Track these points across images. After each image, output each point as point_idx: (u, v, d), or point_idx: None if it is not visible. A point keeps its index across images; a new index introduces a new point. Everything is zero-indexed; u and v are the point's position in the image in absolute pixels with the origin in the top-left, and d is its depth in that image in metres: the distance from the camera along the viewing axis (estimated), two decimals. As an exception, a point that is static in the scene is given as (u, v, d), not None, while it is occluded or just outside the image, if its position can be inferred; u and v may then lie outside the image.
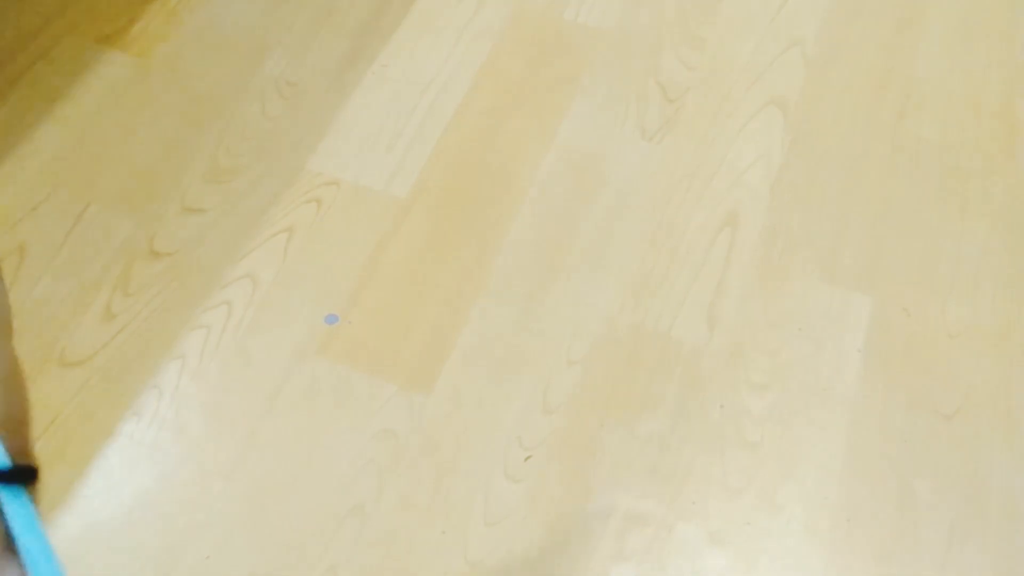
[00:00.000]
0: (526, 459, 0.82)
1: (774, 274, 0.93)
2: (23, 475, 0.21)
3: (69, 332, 0.88)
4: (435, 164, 1.00)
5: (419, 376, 0.86)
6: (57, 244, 0.94)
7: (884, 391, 0.85)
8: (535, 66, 1.09)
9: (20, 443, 0.23)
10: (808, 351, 0.88)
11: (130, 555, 0.77)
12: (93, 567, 0.76)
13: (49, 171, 0.99)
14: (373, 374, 0.86)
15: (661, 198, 0.98)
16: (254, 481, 0.80)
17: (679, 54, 1.10)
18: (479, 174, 1.00)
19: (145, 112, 1.04)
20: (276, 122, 1.03)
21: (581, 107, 1.05)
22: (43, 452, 0.84)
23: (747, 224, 0.96)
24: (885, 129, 1.03)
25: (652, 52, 1.10)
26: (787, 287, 0.92)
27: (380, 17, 1.13)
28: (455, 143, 1.02)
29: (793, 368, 0.87)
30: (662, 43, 1.11)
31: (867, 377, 0.86)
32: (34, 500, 0.20)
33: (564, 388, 0.85)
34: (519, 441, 0.83)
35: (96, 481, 0.80)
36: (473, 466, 0.81)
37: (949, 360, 0.87)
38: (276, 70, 1.08)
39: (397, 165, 1.00)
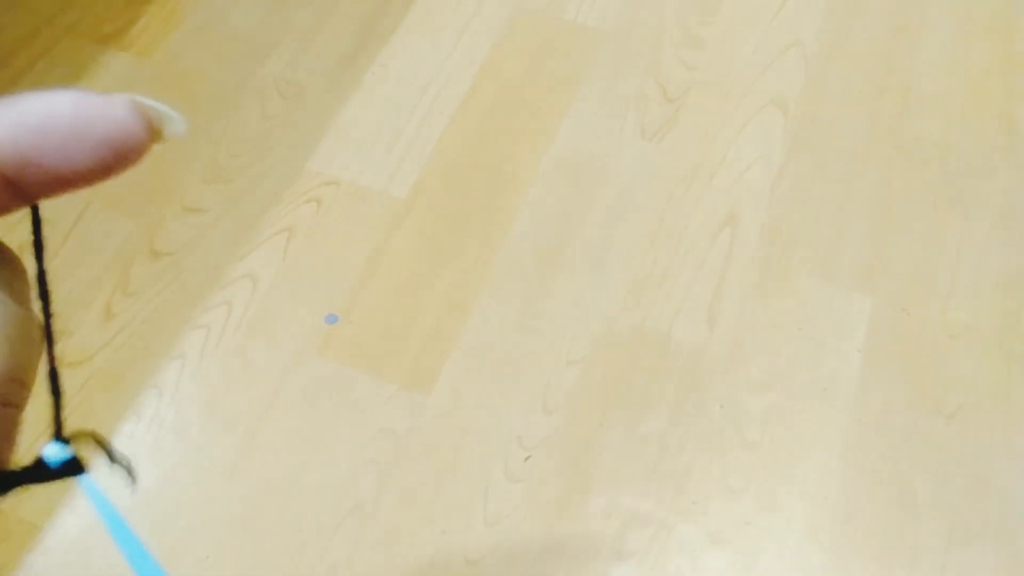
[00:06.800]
0: (526, 459, 0.82)
1: (774, 274, 0.92)
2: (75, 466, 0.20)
3: (69, 332, 0.88)
4: (435, 164, 1.00)
5: (419, 376, 0.86)
6: (57, 244, 0.94)
7: (884, 391, 0.85)
8: (535, 66, 1.09)
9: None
10: (808, 351, 0.88)
11: (130, 555, 0.77)
12: (93, 567, 0.76)
13: (49, 171, 0.98)
14: (373, 374, 0.86)
15: (661, 198, 0.98)
16: (254, 481, 0.80)
17: (679, 54, 1.10)
18: (479, 174, 1.00)
19: (145, 112, 1.04)
20: (276, 122, 1.03)
21: (581, 107, 1.05)
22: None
23: (747, 224, 0.96)
24: (885, 129, 1.03)
25: (652, 52, 1.10)
26: (787, 287, 0.92)
27: (380, 17, 1.13)
28: (455, 143, 1.02)
29: (793, 368, 0.87)
30: (662, 43, 1.11)
31: (867, 377, 0.86)
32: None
33: (564, 388, 0.85)
34: (519, 441, 0.82)
35: (96, 481, 0.80)
36: (473, 466, 0.81)
37: (949, 360, 0.87)
38: (276, 70, 1.08)
39: (397, 165, 1.00)
